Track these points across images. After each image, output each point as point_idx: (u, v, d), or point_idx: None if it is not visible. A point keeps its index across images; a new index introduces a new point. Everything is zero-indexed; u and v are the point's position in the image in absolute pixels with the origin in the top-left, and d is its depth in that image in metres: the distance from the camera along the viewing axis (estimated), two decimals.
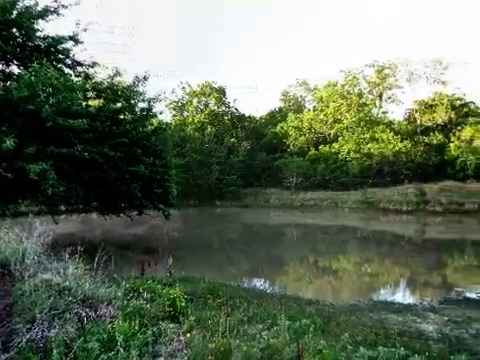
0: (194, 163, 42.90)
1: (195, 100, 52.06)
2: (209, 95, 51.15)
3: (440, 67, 48.41)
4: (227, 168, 43.74)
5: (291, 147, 50.69)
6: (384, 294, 10.71)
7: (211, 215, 36.01)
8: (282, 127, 53.09)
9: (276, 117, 58.67)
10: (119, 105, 14.75)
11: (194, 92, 51.66)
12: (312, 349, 4.35)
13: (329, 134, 51.26)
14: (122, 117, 15.20)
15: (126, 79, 15.74)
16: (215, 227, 26.80)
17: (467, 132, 42.70)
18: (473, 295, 9.69)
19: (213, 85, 50.98)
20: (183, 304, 5.46)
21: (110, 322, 4.41)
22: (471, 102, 48.22)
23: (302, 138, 51.31)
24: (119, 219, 18.31)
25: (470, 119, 45.12)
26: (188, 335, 4.58)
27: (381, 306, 8.10)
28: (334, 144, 48.11)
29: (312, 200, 40.26)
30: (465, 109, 47.50)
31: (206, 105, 51.69)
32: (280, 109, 61.28)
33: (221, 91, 51.19)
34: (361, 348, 4.44)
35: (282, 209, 39.14)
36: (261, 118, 59.21)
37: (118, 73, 15.03)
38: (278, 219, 33.97)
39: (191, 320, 5.06)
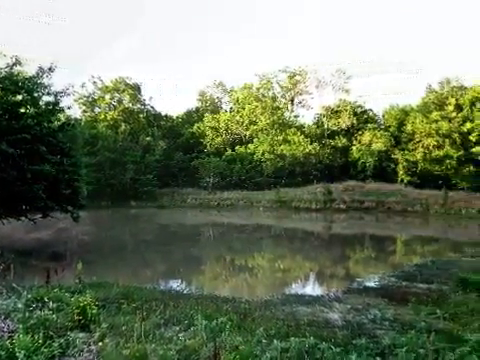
0: (107, 162, 40.73)
1: (108, 96, 49.46)
2: (123, 91, 48.98)
3: (344, 76, 52.80)
4: (142, 167, 42.35)
5: (208, 147, 51.00)
6: (296, 288, 11.34)
7: (125, 216, 34.59)
8: (199, 127, 53.13)
9: (193, 117, 58.50)
10: (19, 98, 13.39)
11: (107, 87, 49.02)
12: (229, 346, 4.42)
13: (245, 135, 52.65)
14: (23, 111, 13.82)
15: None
16: (129, 228, 25.79)
17: (367, 136, 47.20)
18: (371, 284, 10.74)
19: (127, 81, 48.96)
20: (94, 311, 5.15)
21: (9, 337, 3.98)
22: (370, 109, 53.52)
23: (219, 138, 51.94)
24: (20, 223, 16.62)
25: (369, 125, 50.00)
26: (100, 344, 4.33)
27: (293, 299, 8.55)
28: (249, 145, 49.56)
29: (228, 200, 40.96)
30: (365, 116, 52.53)
31: (120, 102, 49.43)
32: (197, 109, 61.21)
33: (136, 88, 49.37)
34: (274, 341, 4.63)
35: (199, 209, 39.19)
36: (178, 117, 58.56)
37: (18, 62, 13.64)
38: (195, 219, 33.93)
39: (103, 327, 4.80)
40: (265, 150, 46.96)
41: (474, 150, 40.39)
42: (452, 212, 34.84)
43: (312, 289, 11.24)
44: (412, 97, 67.83)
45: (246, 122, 51.80)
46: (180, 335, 4.88)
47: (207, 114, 54.66)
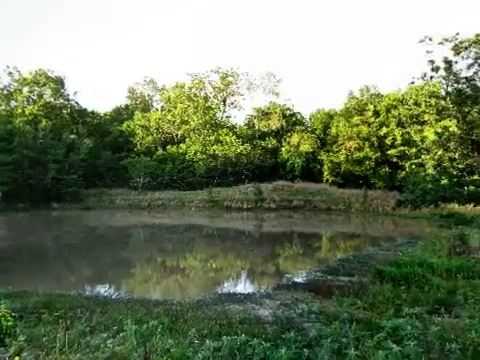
0: (25, 160, 37.51)
1: (26, 89, 45.68)
2: (44, 85, 45.55)
3: (274, 80, 54.54)
4: (66, 167, 39.67)
5: (138, 146, 49.47)
6: (228, 286, 11.44)
7: (47, 219, 32.15)
8: (129, 125, 51.31)
9: (122, 114, 56.36)
10: None
11: (25, 80, 45.24)
12: (160, 350, 4.33)
13: (177, 135, 51.97)
14: None
15: None
16: (51, 232, 24.03)
17: (295, 138, 49.23)
18: (299, 279, 11.22)
19: (49, 74, 45.63)
20: (10, 323, 4.71)
21: None
22: (298, 112, 55.92)
23: (149, 137, 50.64)
24: None
25: (297, 127, 52.23)
26: (17, 358, 3.97)
27: (225, 298, 8.62)
28: (181, 145, 49.02)
29: (160, 200, 40.10)
30: (293, 118, 54.77)
31: (40, 96, 45.90)
32: (127, 106, 59.09)
33: (59, 81, 46.22)
34: (207, 341, 4.63)
35: (129, 210, 37.81)
36: (106, 114, 55.96)
37: None
38: (124, 220, 32.67)
39: (21, 340, 4.41)
40: (197, 150, 46.80)
41: (389, 152, 44.16)
42: (371, 210, 37.75)
43: (244, 287, 11.44)
44: (336, 102, 72.43)
45: (178, 121, 51.16)
46: (108, 342, 4.66)
47: (137, 112, 53.01)
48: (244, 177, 46.01)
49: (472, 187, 23.12)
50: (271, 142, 51.04)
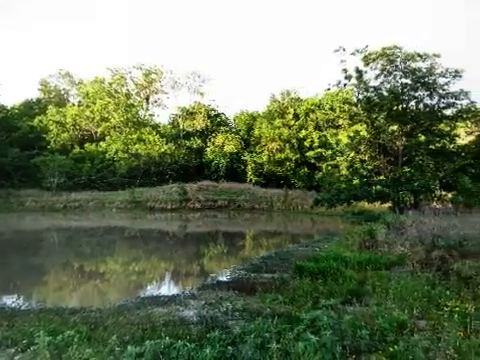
0: None
1: None
2: None
3: (199, 79, 54.43)
4: None
5: (52, 144, 45.92)
6: (151, 289, 11.14)
7: None
8: (41, 121, 47.38)
9: (33, 109, 51.79)
10: None
11: None
12: None
13: (96, 132, 49.28)
14: None
15: None
16: None
17: (219, 139, 49.69)
18: (224, 278, 11.34)
19: None
20: None
21: None
22: (222, 113, 56.52)
23: (65, 134, 47.33)
24: None
25: (222, 128, 52.78)
26: None
27: (148, 301, 8.38)
28: (101, 143, 46.61)
29: (77, 201, 37.59)
30: (218, 119, 55.22)
31: None
32: (38, 100, 54.47)
33: None
34: (129, 347, 4.46)
35: (41, 212, 34.86)
36: (13, 108, 50.92)
37: None
38: (36, 224, 30.05)
39: None
40: (118, 149, 44.85)
41: (308, 154, 46.70)
42: (291, 208, 39.57)
43: (168, 289, 11.23)
44: (259, 104, 74.81)
45: (97, 118, 48.54)
46: (16, 358, 4.25)
47: (51, 107, 49.12)
48: (168, 177, 45.25)
49: (379, 186, 25.49)
50: (196, 142, 50.86)
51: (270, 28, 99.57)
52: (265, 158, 47.53)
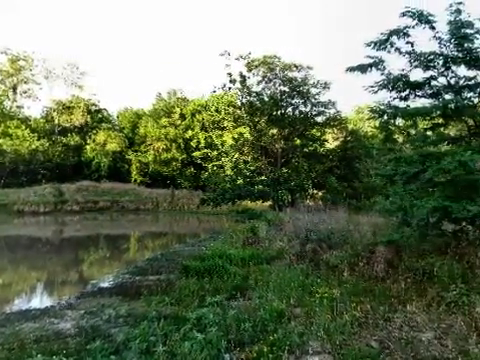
0: None
1: None
2: None
3: (77, 71, 50.33)
4: None
5: None
6: (19, 304, 9.88)
7: None
8: None
9: None
10: None
11: None
12: None
13: None
14: None
15: None
16: None
17: (101, 136, 46.76)
18: (106, 284, 10.70)
19: None
20: None
21: None
22: (105, 109, 53.29)
23: None
24: None
25: (104, 124, 49.75)
26: None
27: (16, 317, 7.41)
28: None
29: None
30: (100, 115, 51.90)
31: None
32: None
33: None
34: None
35: None
36: None
37: None
38: None
39: None
40: None
41: (194, 154, 47.12)
42: (177, 208, 39.45)
43: (40, 301, 10.10)
44: (144, 102, 72.51)
45: None
46: None
47: None
48: (41, 177, 40.82)
49: (260, 186, 27.13)
50: (74, 139, 46.93)
51: (158, 28, 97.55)
52: (151, 158, 46.41)
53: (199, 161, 47.18)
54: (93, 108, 51.13)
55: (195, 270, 9.27)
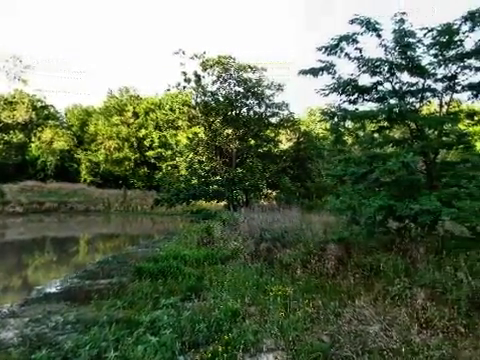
0: None
1: None
2: None
3: (21, 65, 47.39)
4: None
5: None
6: None
7: None
8: None
9: None
10: None
11: None
12: None
13: None
14: None
15: None
16: None
17: (47, 134, 44.41)
18: (53, 289, 10.17)
19: None
20: None
21: None
22: (51, 105, 50.64)
23: None
24: None
25: (50, 122, 47.28)
26: None
27: None
28: None
29: None
30: (46, 111, 49.22)
31: None
32: None
33: None
34: None
35: None
36: None
37: None
38: None
39: None
40: None
41: (147, 154, 46.11)
42: (130, 209, 38.43)
43: None
44: (94, 99, 69.87)
45: None
46: None
47: None
48: None
49: (215, 186, 27.12)
50: (17, 136, 44.11)
51: (110, 24, 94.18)
52: (102, 157, 44.79)
53: (153, 161, 46.22)
54: (38, 104, 48.41)
55: (149, 272, 9.08)
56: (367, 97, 10.29)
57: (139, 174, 45.87)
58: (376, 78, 9.89)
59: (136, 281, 8.79)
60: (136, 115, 48.32)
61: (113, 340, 4.81)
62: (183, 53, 26.62)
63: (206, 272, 9.11)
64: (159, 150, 45.12)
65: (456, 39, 8.92)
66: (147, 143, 46.43)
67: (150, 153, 45.77)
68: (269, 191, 29.56)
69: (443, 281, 6.33)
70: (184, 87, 28.48)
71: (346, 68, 10.29)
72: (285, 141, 32.00)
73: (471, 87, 9.52)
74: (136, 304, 6.99)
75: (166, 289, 7.79)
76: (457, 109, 10.18)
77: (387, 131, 11.31)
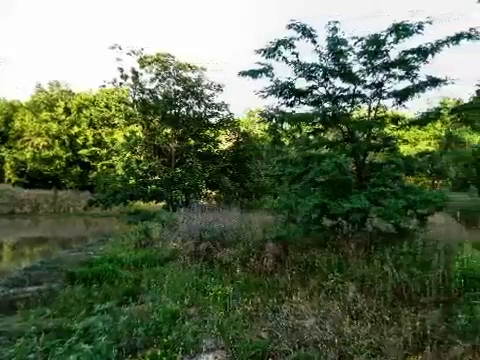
0: None
1: None
2: None
3: None
4: None
5: None
6: None
7: None
8: None
9: None
10: None
11: None
12: None
13: None
14: None
15: None
16: None
17: None
18: None
19: None
20: None
21: None
22: None
23: None
24: None
25: None
26: None
27: None
28: None
29: None
30: None
31: None
32: None
33: None
34: None
35: None
36: None
37: None
38: None
39: None
40: None
41: (81, 152, 43.76)
42: (61, 211, 36.24)
43: None
44: (21, 94, 64.71)
45: None
46: None
47: None
48: None
49: (154, 186, 26.48)
50: None
51: (37, 12, 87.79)
52: (29, 155, 41.63)
53: (87, 160, 43.97)
54: None
55: (82, 277, 8.62)
56: (303, 100, 10.71)
57: (71, 174, 43.37)
58: (311, 82, 10.34)
59: (68, 287, 8.29)
60: (68, 111, 45.61)
61: (42, 351, 4.50)
62: (119, 48, 25.63)
63: (144, 274, 8.86)
64: (93, 149, 43.07)
65: (383, 49, 9.62)
66: (80, 141, 44.06)
67: (84, 152, 43.51)
68: (209, 191, 29.53)
69: (371, 274, 6.79)
70: (121, 83, 27.44)
71: (284, 71, 10.63)
72: (225, 141, 32.19)
73: (395, 94, 10.32)
74: (68, 311, 6.60)
75: (101, 294, 7.45)
76: (383, 114, 10.96)
77: (322, 133, 11.87)
